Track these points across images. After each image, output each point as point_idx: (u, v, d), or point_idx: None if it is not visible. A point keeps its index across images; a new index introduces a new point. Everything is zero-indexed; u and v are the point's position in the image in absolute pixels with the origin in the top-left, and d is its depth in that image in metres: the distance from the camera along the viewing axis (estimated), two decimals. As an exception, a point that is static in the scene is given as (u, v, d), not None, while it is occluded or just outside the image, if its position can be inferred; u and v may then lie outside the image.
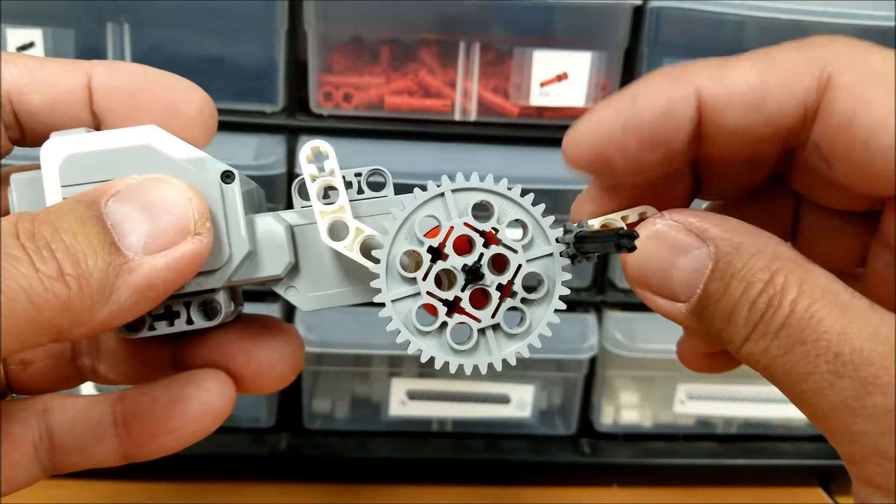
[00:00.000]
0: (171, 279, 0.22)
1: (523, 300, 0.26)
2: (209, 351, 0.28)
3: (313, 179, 0.26)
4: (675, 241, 0.23)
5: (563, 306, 0.26)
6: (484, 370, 0.26)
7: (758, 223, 0.24)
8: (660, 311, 0.24)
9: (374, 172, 0.27)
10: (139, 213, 0.22)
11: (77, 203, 0.22)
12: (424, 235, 0.25)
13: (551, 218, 0.26)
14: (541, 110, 0.53)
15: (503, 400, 0.60)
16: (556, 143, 0.53)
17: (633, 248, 0.22)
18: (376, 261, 0.25)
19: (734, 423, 0.62)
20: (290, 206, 0.51)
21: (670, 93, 0.22)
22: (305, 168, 0.25)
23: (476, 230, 0.25)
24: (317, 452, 0.58)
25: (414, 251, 0.25)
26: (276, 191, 0.52)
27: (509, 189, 0.26)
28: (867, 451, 0.19)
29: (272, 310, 0.54)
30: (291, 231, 0.26)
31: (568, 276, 0.26)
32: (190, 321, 0.27)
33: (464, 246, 0.25)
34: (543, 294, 0.26)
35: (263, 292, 0.55)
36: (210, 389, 0.27)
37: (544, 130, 0.54)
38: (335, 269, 0.27)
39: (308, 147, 0.25)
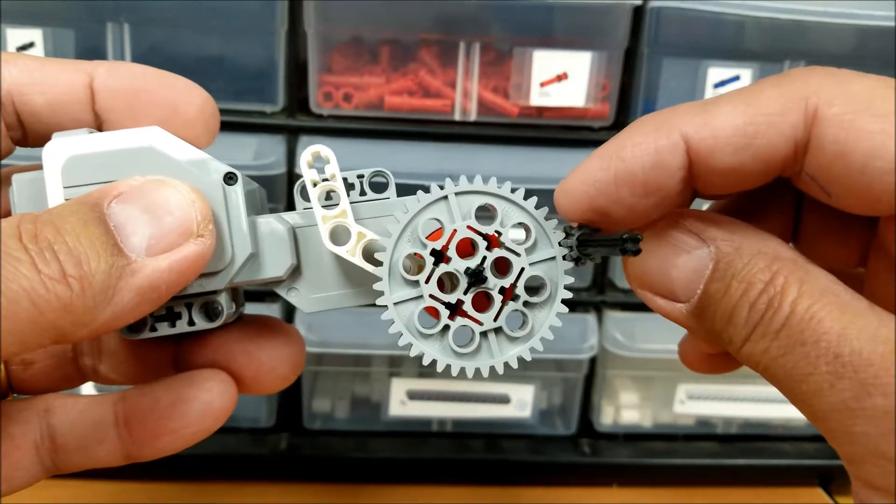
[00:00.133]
0: (174, 281, 0.22)
1: (525, 303, 0.26)
2: (210, 351, 0.28)
3: (314, 184, 0.26)
4: (676, 241, 0.23)
5: (566, 310, 0.26)
6: (486, 373, 0.26)
7: (758, 223, 0.24)
8: (660, 311, 0.24)
9: (376, 174, 0.27)
10: (142, 215, 0.22)
11: (80, 204, 0.22)
12: (427, 238, 0.25)
13: (554, 221, 0.26)
14: (541, 110, 0.53)
15: (503, 400, 0.60)
16: (556, 143, 0.54)
17: (637, 252, 0.22)
18: (379, 263, 0.25)
19: (734, 423, 0.62)
20: (290, 206, 0.52)
21: (657, 142, 0.22)
22: (306, 173, 0.25)
23: (479, 233, 0.25)
24: (317, 452, 0.58)
25: (417, 254, 0.25)
26: (277, 191, 0.52)
27: (512, 192, 0.26)
28: (867, 452, 0.19)
29: (273, 310, 0.54)
30: (293, 233, 0.26)
31: (570, 280, 0.26)
32: (192, 322, 0.27)
33: (467, 249, 0.25)
34: (546, 297, 0.26)
35: (264, 292, 0.55)
36: (211, 390, 0.27)
37: (544, 130, 0.54)
38: (337, 270, 0.27)
39: (308, 152, 0.25)
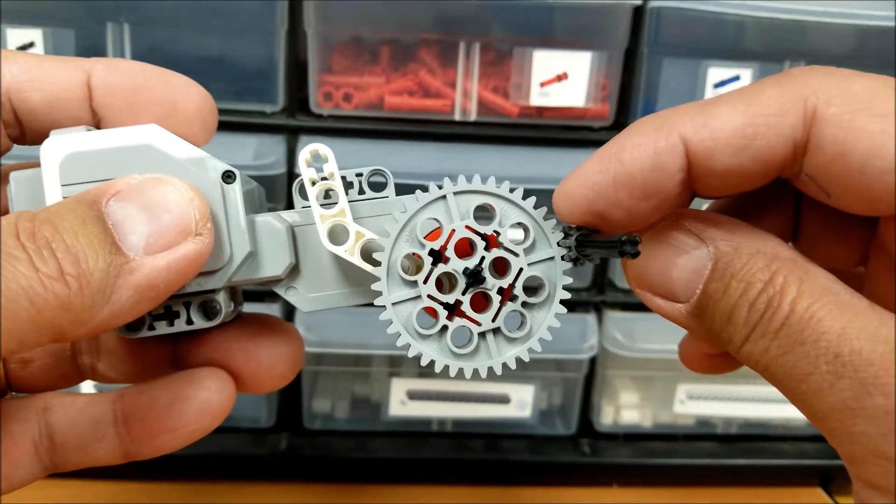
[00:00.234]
0: (172, 279, 0.22)
1: (524, 304, 0.26)
2: (209, 350, 0.28)
3: (313, 183, 0.26)
4: (675, 241, 0.23)
5: (564, 310, 0.26)
6: (484, 374, 0.26)
7: (758, 223, 0.24)
8: (659, 311, 0.24)
9: (375, 173, 0.27)
10: (140, 213, 0.22)
11: (78, 202, 0.22)
12: (425, 238, 0.25)
13: (553, 221, 0.26)
14: (541, 110, 0.53)
15: (503, 400, 0.60)
16: (555, 143, 0.54)
17: (636, 255, 0.22)
18: (377, 263, 0.25)
19: (734, 423, 0.62)
20: (290, 205, 0.52)
21: (656, 144, 0.22)
22: (305, 172, 0.25)
23: (478, 233, 0.25)
24: (317, 452, 0.58)
25: (415, 254, 0.25)
26: (276, 191, 0.52)
27: (511, 192, 0.26)
28: (867, 452, 0.19)
29: (272, 309, 0.54)
30: (292, 231, 0.26)
31: (569, 280, 0.26)
32: (190, 321, 0.27)
33: (465, 249, 0.25)
34: (544, 298, 0.26)
35: (263, 292, 0.55)
36: (210, 388, 0.27)
37: (544, 130, 0.54)
38: (336, 270, 0.27)
39: (307, 150, 0.25)
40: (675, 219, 0.24)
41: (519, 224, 0.26)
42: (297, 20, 0.50)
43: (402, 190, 0.27)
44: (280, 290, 0.27)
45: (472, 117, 0.53)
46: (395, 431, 0.60)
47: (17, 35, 0.49)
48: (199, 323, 0.27)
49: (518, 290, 0.26)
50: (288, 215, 0.27)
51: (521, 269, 0.26)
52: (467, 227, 0.25)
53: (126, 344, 0.29)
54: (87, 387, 0.50)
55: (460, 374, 0.26)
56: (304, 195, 0.27)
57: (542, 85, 0.52)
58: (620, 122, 0.54)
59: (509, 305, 0.26)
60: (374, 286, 0.25)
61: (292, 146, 0.52)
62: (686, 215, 0.24)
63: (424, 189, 0.26)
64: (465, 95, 0.52)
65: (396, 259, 0.25)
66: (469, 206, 0.26)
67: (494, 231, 0.25)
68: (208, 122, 0.27)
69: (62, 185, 0.24)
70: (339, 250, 0.25)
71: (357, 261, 0.26)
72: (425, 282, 0.25)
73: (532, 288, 0.26)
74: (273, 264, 0.26)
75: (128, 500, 0.54)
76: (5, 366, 0.29)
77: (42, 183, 0.25)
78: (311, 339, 0.55)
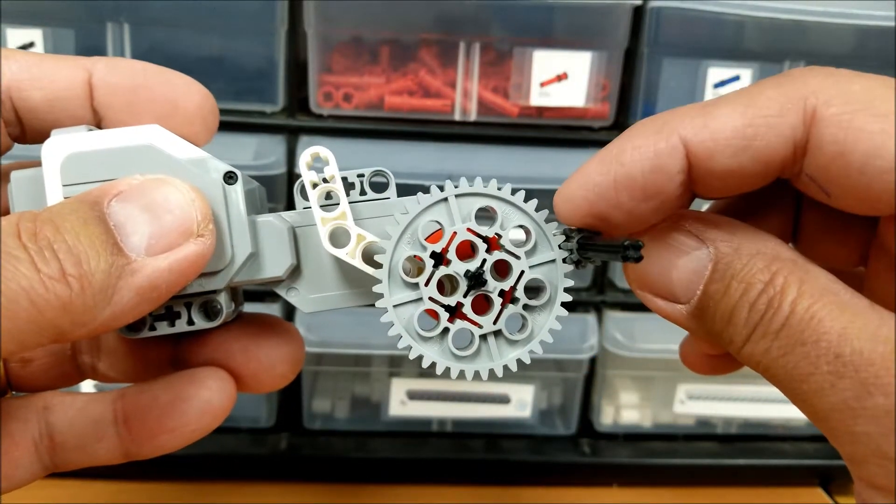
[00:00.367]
0: (174, 281, 0.22)
1: (525, 306, 0.26)
2: (209, 350, 0.28)
3: (314, 186, 0.25)
4: (675, 242, 0.23)
5: (566, 313, 0.26)
6: (485, 376, 0.26)
7: (759, 223, 0.24)
8: (660, 312, 0.24)
9: (376, 173, 0.27)
10: (142, 214, 0.22)
11: (79, 203, 0.21)
12: (427, 240, 0.25)
13: (554, 224, 0.26)
14: (541, 110, 0.53)
15: (503, 400, 0.60)
16: (556, 143, 0.54)
17: (639, 259, 0.22)
18: (379, 266, 0.25)
19: (734, 423, 0.62)
20: (290, 206, 0.52)
21: (656, 145, 0.22)
22: (306, 174, 0.25)
23: (479, 235, 0.25)
24: (317, 452, 0.58)
25: (416, 256, 0.25)
26: (277, 191, 0.52)
27: (513, 194, 0.26)
28: (868, 452, 0.19)
29: (272, 309, 0.54)
30: (293, 232, 0.26)
31: (570, 283, 0.26)
32: (191, 322, 0.27)
33: (466, 251, 0.25)
34: (545, 300, 0.26)
35: (263, 292, 0.55)
36: (211, 388, 0.27)
37: (544, 130, 0.54)
38: (337, 271, 0.27)
39: (308, 153, 0.25)
40: (676, 220, 0.24)
41: (520, 226, 0.26)
42: (297, 20, 0.50)
43: (403, 190, 0.27)
44: (281, 291, 0.27)
45: (472, 117, 0.53)
46: (395, 431, 0.60)
47: (17, 35, 0.49)
48: (201, 323, 0.27)
49: (519, 293, 0.26)
50: (289, 216, 0.27)
51: (522, 272, 0.25)
52: (469, 229, 0.25)
53: (126, 344, 0.29)
54: (88, 386, 0.50)
55: (461, 377, 0.26)
56: (305, 196, 0.27)
57: (542, 85, 0.52)
58: (620, 122, 0.54)
59: (510, 308, 0.26)
60: (376, 288, 0.25)
61: (292, 146, 0.52)
62: (686, 216, 0.24)
63: (425, 190, 0.26)
64: (465, 95, 0.52)
65: (398, 261, 0.25)
66: (470, 208, 0.26)
67: (496, 233, 0.25)
68: (209, 122, 0.27)
69: (63, 186, 0.24)
70: (341, 253, 0.25)
71: (358, 263, 0.25)
72: (427, 284, 0.25)
73: (533, 290, 0.26)
74: (274, 265, 0.26)
75: (128, 500, 0.54)
76: (5, 365, 0.29)
77: (43, 183, 0.24)
78: (312, 339, 0.55)
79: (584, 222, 0.24)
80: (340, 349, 0.56)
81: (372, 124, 0.53)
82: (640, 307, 0.57)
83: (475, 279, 0.25)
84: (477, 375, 0.26)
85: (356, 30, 0.51)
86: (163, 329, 0.27)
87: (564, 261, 0.26)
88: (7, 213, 0.26)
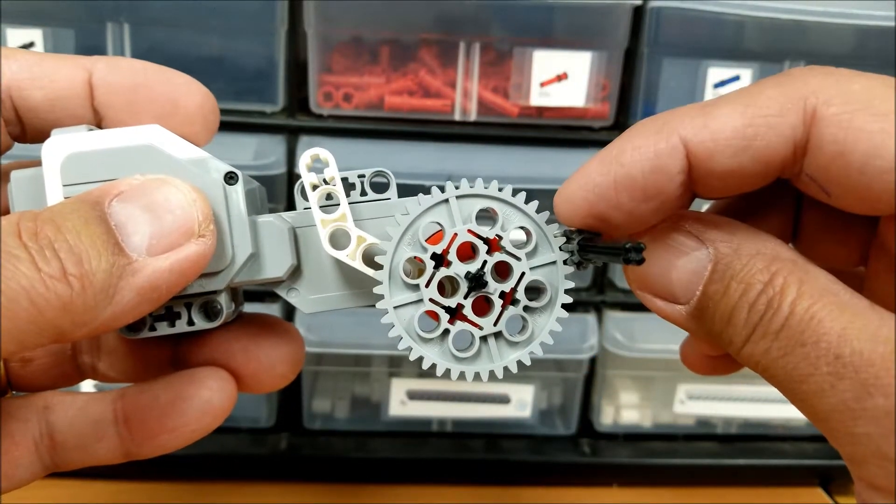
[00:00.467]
0: (175, 281, 0.22)
1: (526, 308, 0.26)
2: (209, 350, 0.28)
3: (314, 187, 0.25)
4: (675, 242, 0.23)
5: (566, 314, 0.26)
6: (485, 378, 0.26)
7: (759, 223, 0.24)
8: (659, 312, 0.24)
9: (377, 174, 0.27)
10: (143, 214, 0.22)
11: (80, 203, 0.21)
12: (427, 241, 0.25)
13: (555, 225, 0.26)
14: (541, 110, 0.53)
15: (503, 400, 0.60)
16: (556, 143, 0.54)
17: (641, 261, 0.22)
18: (379, 267, 0.25)
19: (734, 423, 0.62)
20: (290, 206, 0.52)
21: (657, 146, 0.22)
22: (306, 176, 0.25)
23: (480, 237, 0.25)
24: (317, 452, 0.58)
25: (417, 258, 0.25)
26: (277, 191, 0.52)
27: (514, 196, 0.26)
28: (868, 453, 0.19)
29: (272, 309, 0.54)
30: (294, 233, 0.26)
31: (571, 284, 0.26)
32: (191, 322, 0.27)
33: (467, 253, 0.25)
34: (546, 302, 0.26)
35: (263, 292, 0.55)
36: (211, 388, 0.27)
37: (544, 130, 0.54)
38: (337, 272, 0.27)
39: (308, 155, 0.25)
40: (675, 220, 0.24)
41: (521, 228, 0.26)
42: (297, 20, 0.50)
43: (403, 190, 0.27)
44: (281, 292, 0.27)
45: (472, 117, 0.53)
46: (395, 431, 0.60)
47: (17, 35, 0.49)
48: (201, 324, 0.27)
49: (520, 294, 0.26)
50: (290, 216, 0.27)
51: (523, 273, 0.25)
52: (469, 230, 0.25)
53: (126, 344, 0.29)
54: (88, 386, 0.50)
55: (461, 378, 0.26)
56: (305, 197, 0.27)
57: (542, 85, 0.52)
58: (620, 122, 0.54)
59: (511, 309, 0.26)
60: (376, 289, 0.25)
61: (292, 146, 0.52)
62: (686, 217, 0.24)
63: (426, 190, 0.26)
64: (465, 95, 0.52)
65: (398, 262, 0.25)
66: (471, 209, 0.26)
67: (497, 235, 0.25)
68: (210, 121, 0.27)
69: (63, 186, 0.24)
70: (341, 255, 0.25)
71: (359, 265, 0.25)
72: (427, 285, 0.25)
73: (534, 291, 0.26)
74: (275, 266, 0.26)
75: (128, 500, 0.54)
76: (6, 365, 0.29)
77: (43, 183, 0.24)
78: (312, 339, 0.55)
79: (585, 223, 0.24)
80: (340, 349, 0.56)
81: (372, 124, 0.53)
82: (640, 307, 0.57)
83: (476, 280, 0.25)
84: (477, 377, 0.26)
85: (356, 30, 0.51)
86: (163, 329, 0.27)
87: (565, 262, 0.26)
88: (7, 213, 0.26)
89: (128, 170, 0.24)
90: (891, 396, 0.19)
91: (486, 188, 0.26)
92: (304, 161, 0.25)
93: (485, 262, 0.25)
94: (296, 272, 0.27)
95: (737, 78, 0.53)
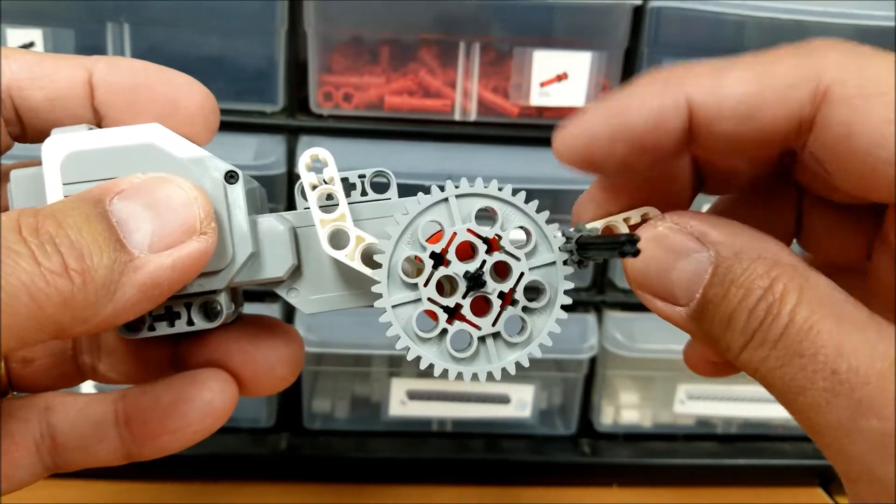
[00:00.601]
0: (176, 278, 0.22)
1: (525, 308, 0.26)
2: (209, 351, 0.28)
3: (313, 188, 0.25)
4: (676, 244, 0.23)
5: (565, 315, 0.26)
6: (483, 379, 0.25)
7: (762, 218, 0.24)
8: (660, 313, 0.24)
9: (377, 174, 0.27)
10: (144, 212, 0.22)
11: (81, 200, 0.21)
12: (427, 241, 0.25)
13: (555, 225, 0.26)
14: (541, 110, 0.53)
15: (503, 400, 0.60)
16: (556, 142, 0.54)
17: (636, 253, 0.21)
18: (378, 266, 0.25)
19: (734, 423, 0.62)
20: (290, 206, 0.52)
21: (661, 100, 0.22)
22: (305, 177, 0.25)
23: (479, 236, 0.25)
24: (317, 452, 0.58)
25: (416, 257, 0.25)
26: (277, 191, 0.52)
27: (514, 195, 0.26)
28: (861, 473, 0.19)
29: (272, 310, 0.54)
30: (294, 233, 0.26)
31: (570, 285, 0.26)
32: (190, 322, 0.26)
33: (466, 252, 0.25)
34: (545, 303, 0.26)
35: (264, 292, 0.55)
36: (213, 389, 0.27)
37: (544, 130, 0.54)
38: (338, 272, 0.27)
39: (307, 155, 0.25)
40: (677, 221, 0.24)
41: (521, 227, 0.26)
42: (297, 20, 0.50)
43: (403, 190, 0.27)
44: (281, 292, 0.27)
45: (472, 117, 0.53)
46: (395, 431, 0.60)
47: (17, 35, 0.49)
48: (200, 324, 0.26)
49: (519, 295, 0.25)
50: (290, 216, 0.26)
51: (522, 273, 0.25)
52: (469, 230, 0.25)
53: (126, 344, 0.29)
54: (88, 387, 0.50)
55: (459, 378, 0.25)
56: (305, 197, 0.27)
57: (542, 85, 0.52)
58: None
59: (510, 310, 0.26)
60: (375, 288, 0.25)
61: (292, 146, 0.52)
62: (687, 217, 0.24)
63: (426, 190, 0.25)
64: (465, 95, 0.52)
65: (397, 261, 0.25)
66: (471, 209, 0.25)
67: (496, 234, 0.25)
68: (210, 121, 0.27)
69: (63, 184, 0.24)
70: (340, 255, 0.25)
71: (358, 265, 0.25)
72: (426, 285, 0.25)
73: (533, 292, 0.26)
74: (275, 265, 0.26)
75: (128, 500, 0.54)
76: (7, 365, 0.29)
77: (43, 182, 0.24)
78: (312, 339, 0.55)
79: (579, 166, 0.24)
80: (340, 349, 0.56)
81: (372, 124, 0.53)
82: (640, 307, 0.56)
83: (474, 280, 0.25)
84: (475, 377, 0.26)
85: (356, 30, 0.51)
86: (162, 329, 0.26)
87: (565, 263, 0.26)
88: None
89: (128, 168, 0.24)
90: (885, 419, 0.18)
91: (485, 187, 0.25)
92: (303, 161, 0.25)
93: (483, 261, 0.25)
94: (296, 272, 0.27)
95: (737, 78, 0.53)
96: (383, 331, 0.25)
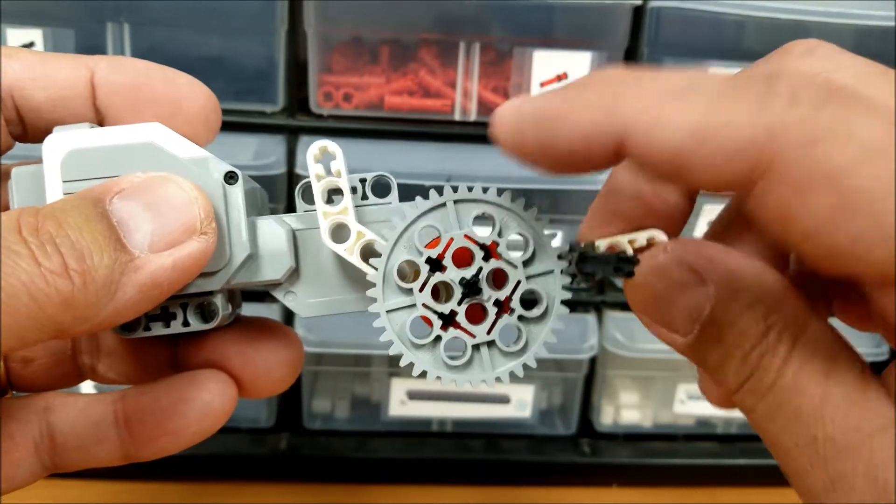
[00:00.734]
0: (177, 278, 0.22)
1: (521, 317, 0.25)
2: (207, 353, 0.28)
3: (319, 179, 0.25)
4: (676, 278, 0.23)
5: (562, 326, 0.26)
6: (476, 387, 0.25)
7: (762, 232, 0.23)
8: (661, 338, 0.24)
9: (378, 178, 0.27)
10: (145, 212, 0.22)
11: (81, 199, 0.21)
12: (424, 246, 0.25)
13: (554, 233, 0.25)
14: (541, 110, 0.53)
15: (503, 400, 0.60)
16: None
17: (631, 274, 0.21)
18: (375, 268, 0.25)
19: (734, 423, 0.62)
20: (290, 206, 0.52)
21: (592, 124, 0.19)
22: (312, 167, 0.25)
23: (477, 243, 0.25)
24: (317, 452, 0.58)
25: (412, 261, 0.25)
26: (276, 191, 0.52)
27: (513, 201, 0.25)
28: None
29: (271, 311, 0.54)
30: (293, 235, 0.26)
31: (567, 295, 0.25)
32: (186, 323, 0.26)
33: (464, 258, 0.25)
34: (541, 312, 0.25)
35: (263, 293, 0.55)
36: (212, 390, 0.27)
37: (544, 130, 0.54)
38: (336, 275, 0.27)
39: (316, 146, 0.25)
40: (679, 252, 0.23)
41: (519, 234, 0.25)
42: (297, 20, 0.50)
43: (403, 190, 0.26)
44: (279, 295, 0.27)
45: (472, 117, 0.53)
46: (395, 431, 0.60)
47: (17, 35, 0.49)
48: (196, 325, 0.26)
49: (515, 303, 0.25)
50: (289, 219, 0.26)
51: (518, 282, 0.25)
52: (466, 236, 0.25)
53: (126, 345, 0.29)
54: (87, 387, 0.50)
55: (452, 386, 0.25)
56: (306, 199, 0.27)
57: (542, 85, 0.52)
58: (620, 122, 0.54)
59: (505, 318, 0.25)
60: (370, 292, 0.25)
61: (292, 146, 0.52)
62: (689, 249, 0.23)
63: (426, 191, 0.25)
64: (465, 95, 0.52)
65: (393, 265, 0.25)
66: (469, 214, 0.25)
67: (494, 241, 0.25)
68: (212, 122, 0.27)
69: (64, 182, 0.24)
70: (339, 248, 0.25)
71: (356, 260, 0.25)
72: (421, 290, 0.25)
73: (530, 300, 0.25)
74: (273, 268, 0.26)
75: (128, 500, 0.54)
76: (6, 365, 0.29)
77: (43, 179, 0.24)
78: (311, 339, 0.55)
79: (512, 152, 0.22)
80: (340, 349, 0.56)
81: (372, 124, 0.53)
82: (641, 307, 0.57)
83: (470, 287, 0.25)
84: (468, 385, 0.25)
85: (356, 30, 0.51)
86: (157, 329, 0.26)
87: (562, 272, 0.25)
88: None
89: (128, 167, 0.24)
90: (856, 495, 0.18)
91: (484, 193, 0.25)
92: (311, 152, 0.25)
93: (480, 268, 0.25)
94: (294, 275, 0.27)
95: (737, 78, 0.53)
96: (379, 334, 0.25)
